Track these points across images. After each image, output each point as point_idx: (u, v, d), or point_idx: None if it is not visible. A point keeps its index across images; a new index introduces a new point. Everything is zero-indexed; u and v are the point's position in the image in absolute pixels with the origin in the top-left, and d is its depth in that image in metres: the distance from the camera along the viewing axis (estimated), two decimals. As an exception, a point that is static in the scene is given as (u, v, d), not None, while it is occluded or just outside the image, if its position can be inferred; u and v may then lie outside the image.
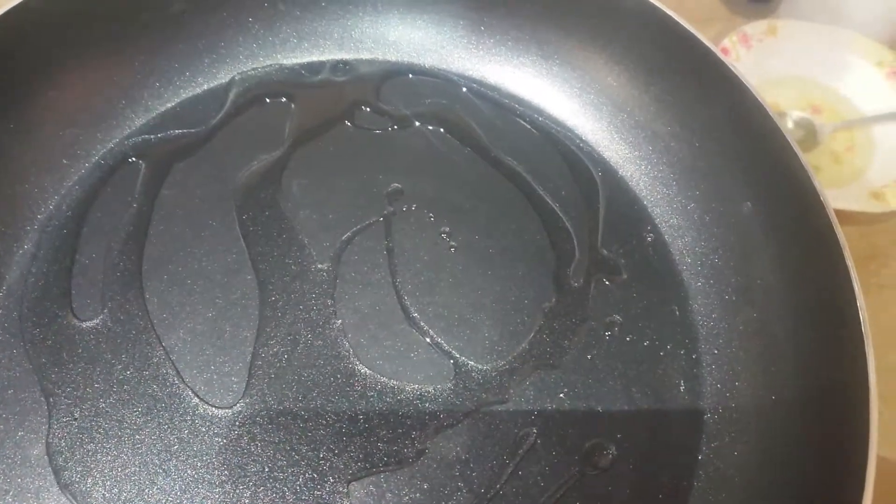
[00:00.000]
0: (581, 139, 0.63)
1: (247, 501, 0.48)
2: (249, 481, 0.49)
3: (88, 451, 0.49)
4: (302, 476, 0.49)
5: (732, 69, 0.54)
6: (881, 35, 0.82)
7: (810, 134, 0.79)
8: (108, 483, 0.48)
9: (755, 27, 0.82)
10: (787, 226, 0.52)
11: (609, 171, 0.62)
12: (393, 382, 0.52)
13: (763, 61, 0.82)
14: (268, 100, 0.64)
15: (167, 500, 0.48)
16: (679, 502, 0.50)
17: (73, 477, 0.48)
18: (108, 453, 0.49)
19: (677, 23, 0.57)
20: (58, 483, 0.48)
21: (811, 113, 0.81)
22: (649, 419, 0.52)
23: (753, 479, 0.49)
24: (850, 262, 0.47)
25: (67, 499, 0.47)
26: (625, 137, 0.63)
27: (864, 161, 0.77)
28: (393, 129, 0.63)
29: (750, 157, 0.55)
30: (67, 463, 0.48)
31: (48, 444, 0.49)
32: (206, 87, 0.64)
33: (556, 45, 0.64)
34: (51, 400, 0.50)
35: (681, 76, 0.59)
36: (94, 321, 0.53)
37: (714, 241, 0.58)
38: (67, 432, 0.49)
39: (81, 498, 0.47)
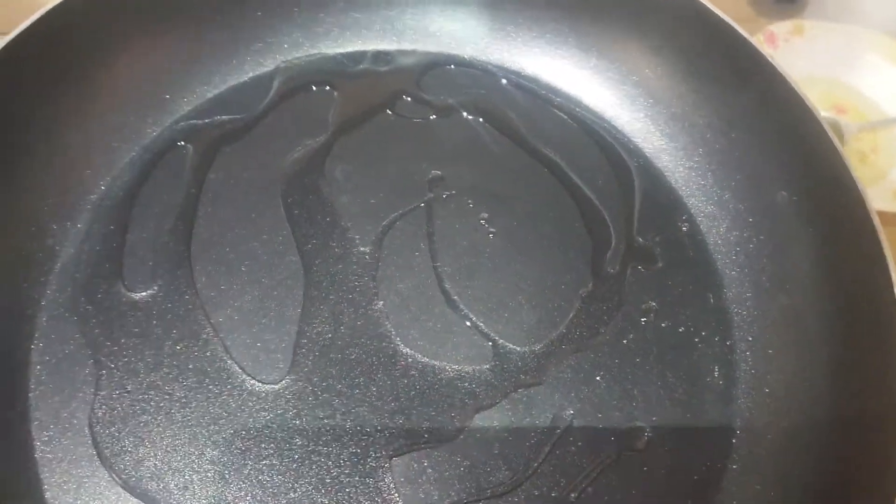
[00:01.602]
0: (618, 130, 0.64)
1: (292, 474, 0.49)
2: (294, 454, 0.50)
3: (141, 422, 0.50)
4: (345, 451, 0.50)
5: (770, 60, 0.55)
6: (907, 37, 0.83)
7: (837, 134, 0.80)
8: (160, 454, 0.49)
9: (781, 27, 0.83)
10: (824, 215, 0.53)
11: (645, 162, 0.63)
12: (433, 363, 0.54)
13: (789, 61, 0.82)
14: (314, 87, 0.65)
15: (215, 471, 0.49)
16: (713, 484, 0.51)
17: (125, 447, 0.49)
18: (158, 425, 0.50)
19: (715, 14, 0.58)
20: (109, 453, 0.49)
21: (836, 113, 0.81)
22: (684, 403, 0.53)
23: (787, 463, 0.50)
24: (888, 252, 0.48)
25: (117, 470, 0.49)
26: (661, 128, 0.64)
27: (888, 162, 0.78)
28: (433, 118, 0.64)
29: (786, 147, 0.56)
30: (120, 434, 0.50)
31: (98, 417, 0.50)
32: (251, 74, 0.66)
33: (594, 38, 0.65)
34: (103, 373, 0.52)
35: (718, 67, 0.60)
36: (145, 293, 0.55)
37: (749, 230, 0.58)
38: (120, 405, 0.51)
39: (133, 468, 0.49)
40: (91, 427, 0.50)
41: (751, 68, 0.57)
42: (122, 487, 0.48)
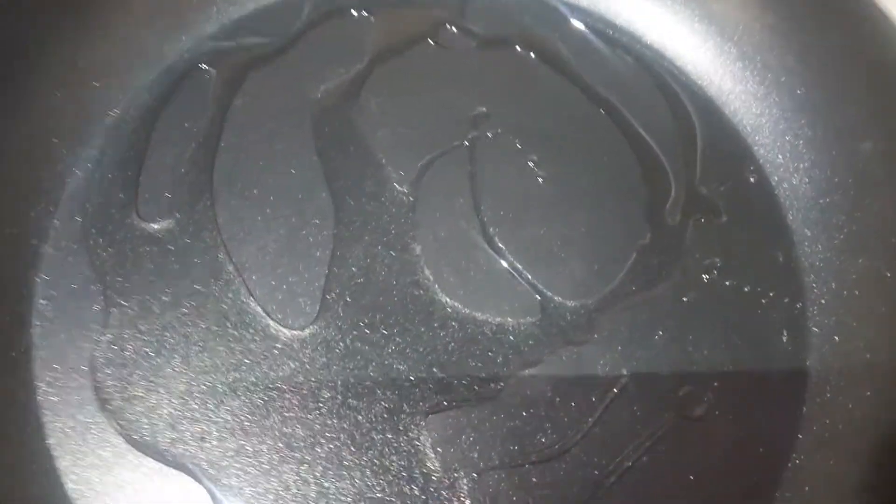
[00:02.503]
0: (681, 71, 0.59)
1: (318, 429, 0.45)
2: (322, 407, 0.46)
3: (154, 366, 0.46)
4: (377, 405, 0.46)
5: (863, -6, 0.49)
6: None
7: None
8: (175, 401, 0.45)
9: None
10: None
11: (710, 106, 0.58)
12: (475, 314, 0.49)
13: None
14: (351, 12, 0.59)
15: (235, 422, 0.45)
16: (782, 459, 0.46)
17: (136, 393, 0.45)
18: (173, 369, 0.46)
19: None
20: (119, 399, 0.45)
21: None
22: (749, 368, 0.49)
23: (866, 438, 0.46)
24: None
25: (127, 418, 0.45)
26: (730, 70, 0.58)
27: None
28: (479, 50, 0.59)
29: (877, 91, 0.50)
30: (131, 377, 0.46)
31: (107, 359, 0.46)
32: (282, -6, 0.60)
33: (659, -33, 0.60)
34: (113, 311, 0.47)
35: (799, 3, 0.54)
36: (162, 224, 0.50)
37: (825, 182, 0.53)
38: (132, 346, 0.46)
39: (145, 416, 0.45)
40: (99, 369, 0.46)
41: (838, 5, 0.51)
42: (129, 438, 0.44)
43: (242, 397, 0.46)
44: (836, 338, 0.50)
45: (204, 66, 0.56)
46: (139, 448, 0.44)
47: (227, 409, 0.45)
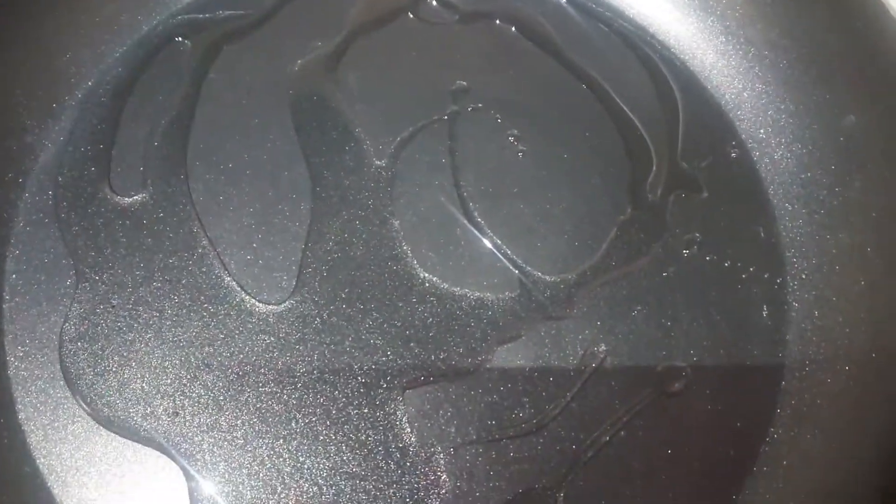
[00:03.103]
0: (663, 44, 0.58)
1: (294, 403, 0.45)
2: (297, 382, 0.45)
3: (127, 340, 0.45)
4: (354, 380, 0.45)
5: (848, -36, 0.49)
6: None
7: None
8: (147, 376, 0.45)
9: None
10: (898, 141, 0.48)
11: (693, 81, 0.57)
12: (453, 289, 0.48)
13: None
14: (329, -18, 0.59)
15: (209, 396, 0.44)
16: (759, 433, 0.46)
17: (108, 367, 0.45)
18: (146, 344, 0.45)
19: None
20: (90, 374, 0.44)
21: None
22: (729, 343, 0.49)
23: (845, 412, 0.46)
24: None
25: (99, 392, 0.44)
26: (713, 43, 0.57)
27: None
28: (460, 24, 0.58)
29: (860, 66, 0.50)
30: (103, 352, 0.45)
31: (79, 333, 0.45)
32: (259, -34, 0.59)
33: (642, -62, 0.59)
34: (85, 286, 0.47)
35: (784, -25, 0.54)
36: (134, 198, 0.49)
37: (807, 157, 0.53)
38: (104, 321, 0.46)
39: (117, 391, 0.44)
40: (70, 344, 0.45)
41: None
42: (101, 414, 0.43)
43: (217, 372, 0.45)
44: (816, 313, 0.49)
45: (179, 39, 0.55)
46: (110, 425, 0.43)
47: (201, 384, 0.45)
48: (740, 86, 0.56)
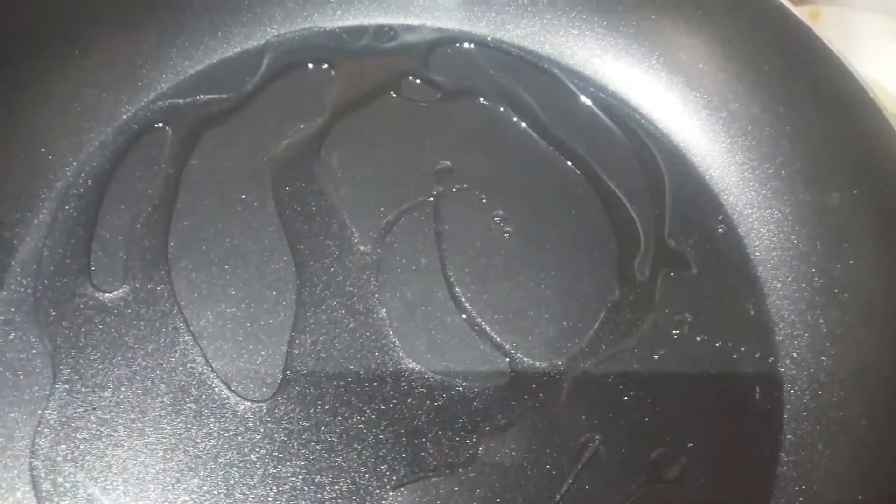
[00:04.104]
0: (648, 120, 0.58)
1: (282, 505, 0.43)
2: (285, 484, 0.44)
3: (109, 443, 0.44)
4: (343, 479, 0.44)
5: (827, 43, 0.49)
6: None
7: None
8: (131, 481, 0.43)
9: (798, 13, 0.77)
10: (886, 219, 0.48)
11: (678, 156, 0.57)
12: (442, 379, 0.48)
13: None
14: (310, 65, 0.58)
15: (194, 502, 0.43)
16: (757, 520, 0.45)
17: (90, 475, 0.43)
18: (129, 448, 0.44)
19: (760, -10, 0.52)
20: (66, 483, 0.43)
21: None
22: (722, 427, 0.48)
23: (840, 495, 0.45)
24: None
25: (84, 494, 0.43)
26: (697, 119, 0.57)
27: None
28: (443, 101, 0.58)
29: (843, 143, 0.50)
30: (83, 458, 0.44)
31: (57, 437, 0.44)
32: (239, 49, 0.59)
33: (624, 15, 0.59)
34: (66, 387, 0.45)
35: (766, 51, 0.54)
36: (116, 294, 0.48)
37: (795, 234, 0.53)
38: (84, 424, 0.44)
39: (101, 496, 0.43)
40: (46, 449, 0.44)
41: (804, 54, 0.51)
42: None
43: (201, 475, 0.44)
44: (809, 392, 0.49)
45: (159, 125, 0.55)
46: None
47: (184, 489, 0.43)
48: (725, 161, 0.56)
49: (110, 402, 0.45)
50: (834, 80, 0.50)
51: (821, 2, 0.81)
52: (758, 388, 0.49)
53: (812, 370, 0.49)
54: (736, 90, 0.56)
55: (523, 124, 0.57)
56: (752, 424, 0.48)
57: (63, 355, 0.46)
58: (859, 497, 0.44)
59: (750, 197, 0.55)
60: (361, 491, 0.44)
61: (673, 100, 0.58)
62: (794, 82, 0.53)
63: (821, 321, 0.50)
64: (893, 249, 0.47)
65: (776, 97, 0.54)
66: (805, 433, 0.48)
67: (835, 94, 0.50)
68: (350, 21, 0.61)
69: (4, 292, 0.48)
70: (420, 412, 0.46)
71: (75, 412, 0.45)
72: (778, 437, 0.48)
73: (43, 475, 0.43)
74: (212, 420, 0.45)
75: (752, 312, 0.52)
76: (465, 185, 0.54)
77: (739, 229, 0.54)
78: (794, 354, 0.50)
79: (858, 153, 0.49)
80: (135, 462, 0.44)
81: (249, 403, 0.46)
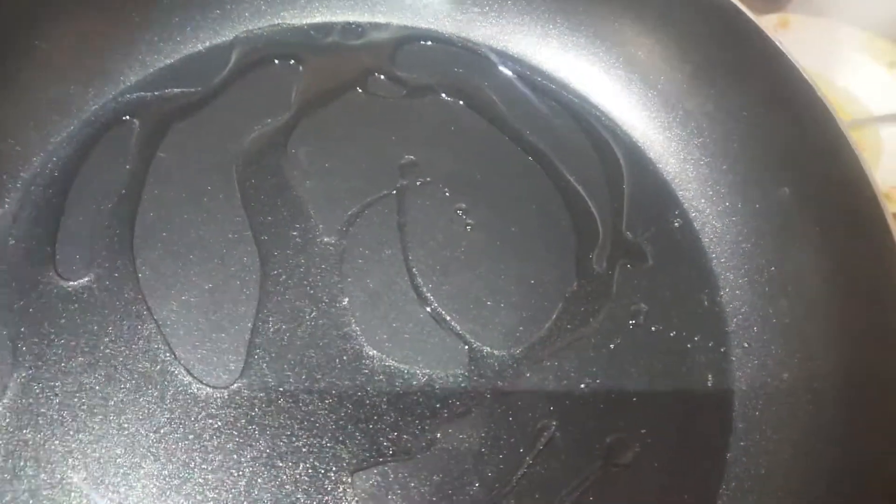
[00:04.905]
0: (607, 117, 0.60)
1: (242, 489, 0.44)
2: (245, 468, 0.45)
3: (70, 430, 0.45)
4: (302, 464, 0.45)
5: (778, 45, 0.50)
6: (894, 36, 0.79)
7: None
8: (92, 465, 0.44)
9: (767, 21, 0.79)
10: (831, 214, 0.49)
11: (636, 152, 0.59)
12: (402, 366, 0.49)
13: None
14: (276, 61, 0.59)
15: (154, 485, 0.44)
16: (707, 503, 0.47)
17: (52, 459, 0.44)
18: (91, 433, 0.45)
19: (716, -7, 0.53)
20: (30, 467, 0.43)
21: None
22: (675, 414, 0.49)
23: (788, 479, 0.46)
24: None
25: (40, 483, 0.43)
26: (654, 116, 0.59)
27: (871, 161, 0.74)
28: (408, 98, 0.59)
29: (792, 140, 0.52)
30: (45, 442, 0.44)
31: (20, 423, 0.44)
32: (207, 44, 0.60)
33: (584, 15, 0.60)
34: (29, 373, 0.46)
35: (719, 52, 0.55)
36: (80, 282, 0.49)
37: (747, 227, 0.54)
38: (47, 409, 0.45)
39: (59, 482, 0.43)
40: (7, 435, 0.44)
41: (757, 55, 0.52)
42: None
43: (163, 459, 0.44)
44: (759, 379, 0.50)
45: (126, 118, 0.55)
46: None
47: (146, 473, 0.44)
48: (682, 157, 0.58)
49: (73, 387, 0.46)
50: (784, 81, 0.51)
51: (791, 10, 0.84)
52: (710, 375, 0.51)
53: (762, 359, 0.51)
54: (691, 89, 0.57)
55: (486, 121, 0.59)
56: (704, 411, 0.50)
57: (26, 342, 0.47)
58: (805, 479, 0.46)
59: (705, 191, 0.56)
60: (321, 475, 0.45)
61: (631, 98, 0.60)
62: (747, 82, 0.54)
63: (770, 311, 0.52)
64: (837, 242, 0.49)
65: (729, 96, 0.56)
66: (754, 419, 0.49)
67: (785, 94, 0.52)
68: (318, 18, 0.62)
69: (-31, 280, 0.48)
70: (380, 399, 0.47)
71: (37, 398, 0.45)
72: (729, 423, 0.49)
73: (2, 461, 0.43)
74: (174, 405, 0.46)
75: (706, 303, 0.53)
76: (429, 179, 0.55)
77: (695, 223, 0.56)
78: (745, 344, 0.52)
79: (807, 150, 0.51)
80: (96, 447, 0.44)
81: (211, 390, 0.47)
